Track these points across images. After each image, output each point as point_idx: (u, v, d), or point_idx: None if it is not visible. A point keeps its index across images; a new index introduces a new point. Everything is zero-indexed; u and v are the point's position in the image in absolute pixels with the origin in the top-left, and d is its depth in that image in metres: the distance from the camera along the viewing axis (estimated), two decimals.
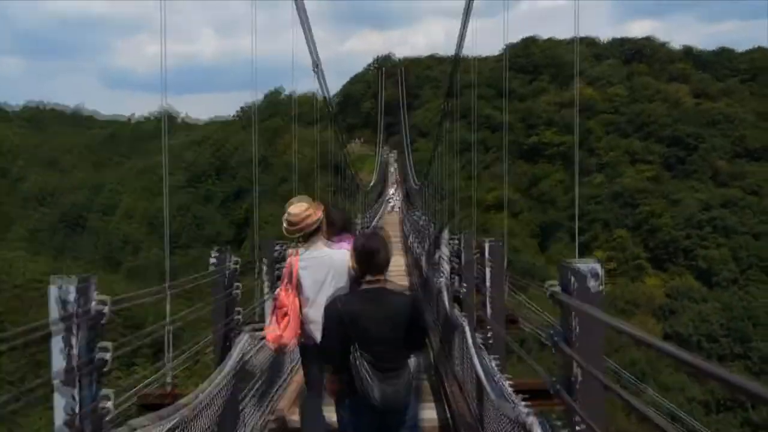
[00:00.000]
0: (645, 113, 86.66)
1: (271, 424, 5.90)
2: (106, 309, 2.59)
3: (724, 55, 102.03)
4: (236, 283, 5.32)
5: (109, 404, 2.57)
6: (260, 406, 5.79)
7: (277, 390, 6.61)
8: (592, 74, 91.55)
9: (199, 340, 5.50)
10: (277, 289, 7.84)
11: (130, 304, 3.37)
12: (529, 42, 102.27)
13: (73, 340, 2.46)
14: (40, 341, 2.34)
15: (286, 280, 4.43)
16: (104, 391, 2.59)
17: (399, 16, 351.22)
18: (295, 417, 6.09)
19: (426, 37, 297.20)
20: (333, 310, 3.39)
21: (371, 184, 63.26)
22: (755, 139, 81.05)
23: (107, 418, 2.59)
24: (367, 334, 3.29)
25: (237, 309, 5.37)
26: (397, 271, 19.70)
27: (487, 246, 6.03)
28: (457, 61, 14.77)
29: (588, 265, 2.58)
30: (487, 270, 5.98)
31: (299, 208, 4.46)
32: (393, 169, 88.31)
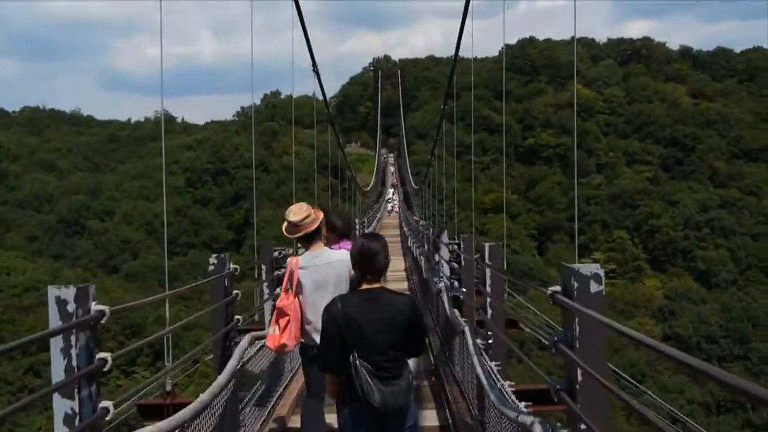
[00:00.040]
0: (643, 114, 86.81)
1: (272, 427, 5.89)
2: (104, 319, 2.58)
3: (721, 55, 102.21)
4: (235, 291, 5.30)
5: (109, 417, 2.55)
6: (261, 410, 5.77)
7: (277, 394, 6.60)
8: (589, 75, 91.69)
9: (198, 346, 5.49)
10: (277, 290, 7.90)
11: (129, 311, 3.36)
12: (526, 43, 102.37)
13: (72, 351, 2.45)
14: (39, 350, 2.33)
15: (286, 284, 4.43)
16: (104, 402, 2.57)
17: (397, 17, 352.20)
18: (296, 421, 6.09)
19: (424, 38, 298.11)
20: (332, 313, 3.37)
21: (370, 186, 63.25)
22: (753, 139, 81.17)
23: (105, 430, 2.58)
24: (366, 336, 3.28)
25: (237, 318, 5.35)
26: (397, 274, 19.68)
27: (487, 249, 6.02)
28: (455, 63, 14.77)
29: (589, 267, 2.57)
30: (488, 273, 5.96)
31: (300, 211, 4.48)
32: (391, 170, 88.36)
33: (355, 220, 27.72)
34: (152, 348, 34.10)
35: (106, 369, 2.59)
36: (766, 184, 75.57)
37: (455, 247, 8.64)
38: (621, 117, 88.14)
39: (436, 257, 10.15)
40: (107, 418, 2.55)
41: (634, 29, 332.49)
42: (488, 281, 5.94)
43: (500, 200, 65.19)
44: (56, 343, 2.44)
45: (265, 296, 7.92)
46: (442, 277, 9.18)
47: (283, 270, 8.24)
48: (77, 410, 2.46)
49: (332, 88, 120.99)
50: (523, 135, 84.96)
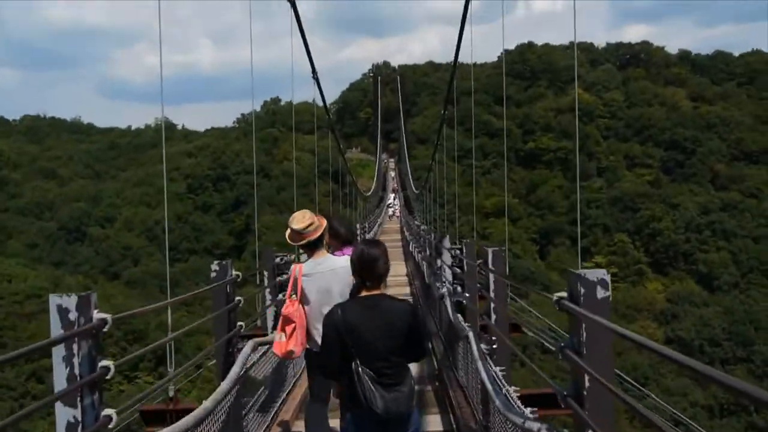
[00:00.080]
0: (644, 117, 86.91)
1: (278, 427, 5.87)
2: (106, 327, 2.56)
3: (720, 58, 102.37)
4: (237, 298, 5.29)
5: (112, 425, 2.53)
6: (264, 416, 5.75)
7: (281, 399, 6.58)
8: (588, 80, 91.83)
9: (200, 352, 5.47)
10: (280, 296, 7.89)
11: (131, 319, 3.34)
12: (525, 48, 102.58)
13: (74, 359, 2.43)
14: (42, 357, 2.31)
15: (291, 291, 4.43)
16: (107, 410, 2.55)
17: (396, 23, 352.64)
18: (299, 426, 6.07)
19: (423, 44, 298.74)
20: (332, 320, 3.38)
21: (371, 191, 63.30)
22: (753, 142, 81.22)
23: None
24: (367, 343, 3.28)
25: (239, 324, 5.34)
26: (398, 279, 19.65)
27: (490, 254, 6.00)
28: (455, 67, 14.78)
29: (595, 273, 2.55)
30: (491, 278, 5.94)
31: (303, 219, 4.51)
32: (392, 175, 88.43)
33: (357, 226, 27.71)
34: (155, 353, 34.11)
35: (108, 377, 2.57)
36: (766, 187, 75.59)
37: (457, 252, 8.62)
38: (621, 121, 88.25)
39: (439, 262, 10.14)
40: (110, 426, 2.53)
41: (633, 33, 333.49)
42: (492, 286, 5.92)
43: (501, 204, 65.18)
44: (58, 352, 2.43)
45: (268, 302, 7.91)
46: (444, 282, 9.16)
47: (285, 276, 8.25)
48: (80, 419, 2.44)
49: (332, 95, 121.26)
50: (523, 139, 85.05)
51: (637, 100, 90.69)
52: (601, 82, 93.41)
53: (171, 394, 5.47)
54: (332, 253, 4.72)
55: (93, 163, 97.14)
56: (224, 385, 4.11)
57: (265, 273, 8.02)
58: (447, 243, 9.67)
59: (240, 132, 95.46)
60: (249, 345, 5.09)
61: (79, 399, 2.46)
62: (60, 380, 2.44)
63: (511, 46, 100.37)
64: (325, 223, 4.60)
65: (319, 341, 4.24)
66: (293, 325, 4.33)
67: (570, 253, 69.23)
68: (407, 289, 17.53)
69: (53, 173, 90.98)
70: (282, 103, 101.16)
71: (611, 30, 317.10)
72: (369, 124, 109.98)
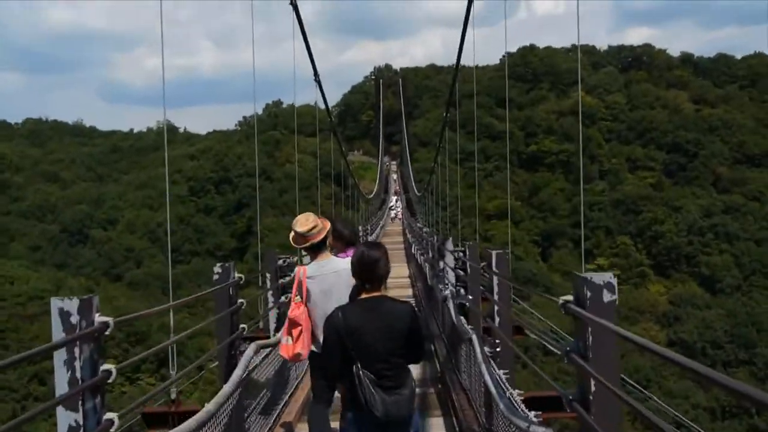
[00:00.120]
0: (646, 120, 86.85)
1: (281, 430, 5.85)
2: (108, 331, 2.54)
3: (722, 61, 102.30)
4: (240, 300, 5.28)
5: (114, 429, 2.51)
6: (266, 418, 5.73)
7: (283, 402, 6.56)
8: (591, 82, 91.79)
9: (202, 353, 5.46)
10: (282, 298, 7.87)
11: (133, 321, 3.33)
12: (527, 51, 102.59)
13: (76, 363, 2.41)
14: (44, 359, 2.30)
15: (295, 293, 4.45)
16: (109, 414, 2.53)
17: (398, 26, 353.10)
18: (301, 428, 6.05)
19: (424, 47, 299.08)
20: (332, 323, 3.38)
21: (373, 193, 63.33)
22: (755, 145, 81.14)
23: None
24: (368, 345, 3.28)
25: (242, 326, 5.33)
26: (401, 281, 19.64)
27: (494, 256, 5.98)
28: (457, 70, 14.77)
29: (602, 276, 2.52)
30: (495, 280, 5.92)
31: (307, 222, 4.54)
32: (394, 178, 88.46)
33: (359, 228, 27.71)
34: (157, 355, 34.11)
35: (110, 381, 2.55)
36: None
37: (460, 254, 8.60)
38: (623, 123, 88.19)
39: (441, 264, 10.11)
40: (112, 430, 2.51)
41: (635, 36, 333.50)
42: (495, 289, 5.89)
43: (503, 207, 65.12)
44: (59, 356, 2.41)
45: (270, 304, 7.90)
46: (447, 285, 9.14)
47: (287, 278, 8.24)
48: (81, 423, 2.42)
49: (334, 98, 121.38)
50: (525, 142, 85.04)
51: (640, 103, 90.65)
52: (603, 84, 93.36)
53: (173, 396, 5.46)
54: (335, 255, 4.72)
55: (95, 167, 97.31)
56: (227, 387, 4.10)
57: (268, 275, 8.01)
58: (450, 245, 9.65)
59: (242, 135, 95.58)
60: (251, 347, 5.08)
61: (80, 403, 2.45)
62: (62, 384, 2.42)
63: (513, 49, 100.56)
64: (328, 225, 4.63)
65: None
66: (300, 328, 4.35)
67: (572, 256, 69.16)
68: (409, 291, 17.52)
69: (55, 176, 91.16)
70: (284, 105, 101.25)
71: (613, 33, 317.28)
72: (371, 127, 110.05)
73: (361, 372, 3.23)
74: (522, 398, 4.54)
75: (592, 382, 2.40)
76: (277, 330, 7.31)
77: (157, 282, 58.90)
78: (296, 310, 4.38)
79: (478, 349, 5.06)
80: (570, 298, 2.61)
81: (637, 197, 75.88)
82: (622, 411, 2.51)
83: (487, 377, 4.35)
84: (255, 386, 5.35)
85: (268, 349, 5.96)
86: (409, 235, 28.67)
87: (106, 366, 2.58)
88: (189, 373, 4.97)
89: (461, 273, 8.37)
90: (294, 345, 4.36)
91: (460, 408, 6.18)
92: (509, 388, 4.49)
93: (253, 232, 68.17)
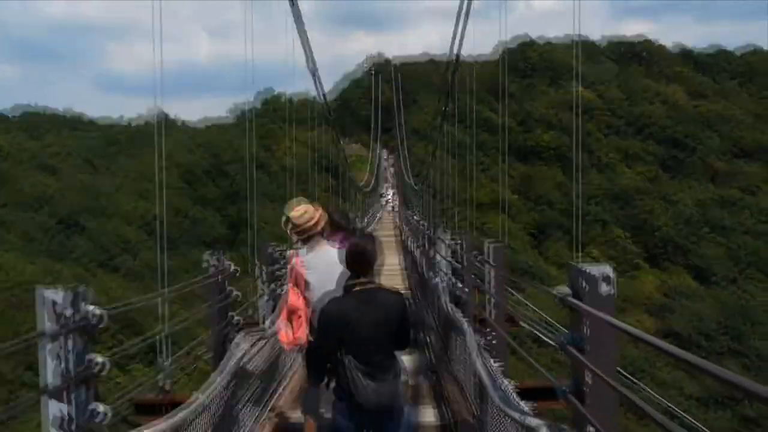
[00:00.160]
0: (643, 114, 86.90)
1: (269, 425, 5.83)
2: (101, 322, 2.50)
3: (720, 56, 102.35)
4: (233, 291, 5.25)
5: (105, 421, 2.48)
6: (257, 408, 5.72)
7: (275, 391, 6.54)
8: (588, 77, 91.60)
9: (194, 344, 5.43)
10: (285, 291, 7.84)
11: (125, 311, 3.29)
12: (525, 44, 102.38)
13: (67, 354, 2.37)
14: (30, 351, 2.25)
15: (292, 282, 4.46)
16: (99, 406, 2.50)
17: (394, 18, 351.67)
18: (293, 418, 6.05)
19: (421, 39, 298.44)
20: (325, 312, 3.41)
21: (368, 185, 63.32)
22: (752, 139, 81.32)
23: None
24: (361, 336, 3.30)
25: (234, 316, 5.30)
26: (394, 271, 19.68)
27: (490, 248, 5.95)
28: (454, 62, 14.72)
29: (599, 269, 2.49)
30: (490, 272, 5.90)
31: (301, 209, 4.55)
32: (389, 169, 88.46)
33: (351, 218, 27.69)
34: (150, 345, 34.03)
35: (99, 372, 2.51)
36: (764, 184, 75.73)
37: (455, 245, 8.58)
38: (620, 118, 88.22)
39: (436, 255, 10.10)
40: (102, 421, 2.48)
41: (632, 30, 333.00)
42: (492, 281, 5.88)
43: (497, 196, 65.16)
44: (47, 346, 2.36)
45: (263, 293, 7.88)
46: (441, 275, 9.12)
47: (281, 268, 8.22)
48: (73, 414, 2.38)
49: (329, 89, 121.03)
50: (522, 135, 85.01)
51: (637, 98, 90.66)
52: (601, 79, 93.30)
53: (167, 387, 5.44)
54: (329, 242, 4.71)
55: (91, 158, 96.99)
56: (218, 378, 4.09)
57: (261, 266, 7.99)
58: (444, 236, 9.63)
59: (238, 129, 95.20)
60: (243, 337, 5.05)
61: (70, 395, 2.41)
62: (50, 376, 2.38)
63: (511, 43, 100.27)
64: (321, 212, 4.64)
65: None
66: (299, 314, 4.38)
67: (567, 248, 69.32)
68: (403, 282, 17.55)
69: (52, 168, 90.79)
70: (280, 97, 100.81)
71: (611, 27, 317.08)
72: (366, 119, 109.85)
73: (346, 359, 3.27)
74: (516, 389, 4.53)
75: (588, 374, 2.37)
76: (269, 320, 7.28)
77: (154, 273, 58.81)
78: (295, 298, 4.40)
79: (471, 340, 5.04)
80: (567, 289, 2.58)
81: (633, 190, 76.03)
82: (617, 403, 2.49)
83: (481, 368, 4.33)
84: (246, 376, 5.34)
85: (260, 339, 5.94)
86: (403, 226, 28.70)
87: (97, 357, 2.55)
88: (181, 363, 4.95)
89: (456, 264, 8.36)
90: (294, 332, 4.39)
91: (453, 399, 6.18)
92: (503, 379, 4.47)
93: (245, 221, 68.10)
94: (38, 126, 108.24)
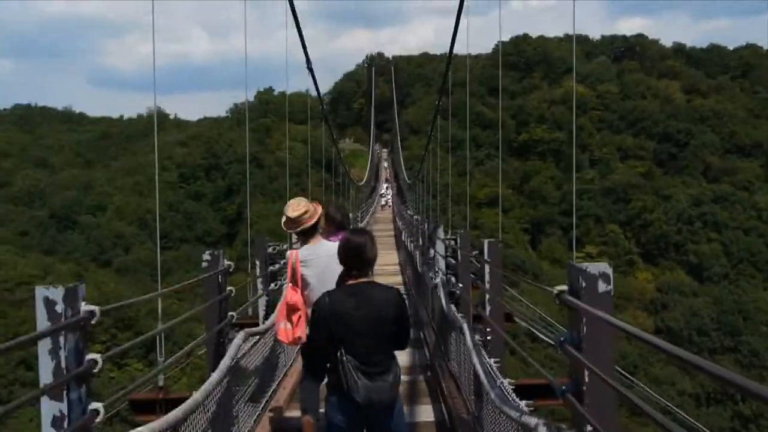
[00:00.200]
0: (638, 109, 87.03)
1: (266, 423, 5.83)
2: (94, 320, 2.49)
3: (715, 52, 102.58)
4: (229, 288, 5.24)
5: (99, 419, 2.47)
6: (255, 406, 5.71)
7: (271, 389, 6.53)
8: (583, 72, 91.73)
9: (191, 340, 5.42)
10: (273, 285, 7.84)
11: (122, 306, 3.28)
12: (520, 40, 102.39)
13: (60, 353, 2.36)
14: (32, 345, 2.24)
15: (291, 278, 4.47)
16: (94, 404, 2.49)
17: (390, 15, 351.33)
18: (291, 414, 6.04)
19: (417, 35, 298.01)
20: (320, 308, 3.39)
21: (363, 181, 63.24)
22: (746, 135, 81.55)
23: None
24: (354, 330, 3.29)
25: (231, 314, 5.28)
26: (390, 268, 19.68)
27: (486, 245, 5.96)
28: (450, 58, 14.67)
29: (597, 266, 2.50)
30: (486, 269, 5.90)
31: (299, 207, 4.57)
32: (385, 165, 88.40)
33: (349, 215, 27.65)
34: (145, 341, 33.98)
35: (96, 371, 2.51)
36: (758, 180, 75.99)
37: (452, 242, 8.58)
38: (615, 113, 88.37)
39: (432, 252, 10.09)
40: (98, 420, 2.47)
41: (628, 26, 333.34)
42: (487, 277, 5.88)
43: (493, 195, 65.24)
44: (44, 345, 2.36)
45: (259, 291, 7.86)
46: (437, 272, 9.12)
47: (277, 265, 8.21)
48: (66, 413, 2.37)
49: (325, 85, 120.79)
50: (517, 130, 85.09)
51: (631, 93, 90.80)
52: (596, 74, 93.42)
53: (161, 383, 5.43)
54: (326, 238, 4.71)
55: (84, 153, 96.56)
56: (215, 376, 4.07)
57: (257, 262, 7.97)
58: (441, 233, 9.63)
59: (233, 122, 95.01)
60: (240, 335, 5.04)
61: (65, 393, 2.40)
62: (46, 374, 2.37)
63: (506, 38, 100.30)
64: (320, 209, 4.67)
65: None
66: (299, 312, 4.39)
67: (561, 243, 69.52)
68: (399, 278, 17.57)
69: (45, 162, 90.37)
70: (275, 93, 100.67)
71: (606, 22, 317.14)
72: (362, 115, 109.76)
73: (344, 357, 3.26)
74: (513, 387, 4.54)
75: (587, 374, 2.38)
76: (266, 317, 7.27)
77: (146, 268, 58.62)
78: (294, 295, 4.41)
79: (468, 338, 5.05)
80: (565, 288, 2.58)
81: (627, 186, 76.21)
82: (616, 403, 2.50)
83: (478, 366, 4.33)
84: (243, 374, 5.33)
85: (257, 337, 5.93)
86: (399, 223, 28.68)
87: (91, 355, 2.53)
88: (177, 360, 4.94)
89: (452, 261, 8.36)
90: (294, 329, 4.40)
91: (450, 396, 6.18)
92: (500, 377, 4.48)
93: (242, 218, 68.00)
94: (30, 120, 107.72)
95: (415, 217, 20.57)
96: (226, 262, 5.31)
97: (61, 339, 2.38)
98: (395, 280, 16.74)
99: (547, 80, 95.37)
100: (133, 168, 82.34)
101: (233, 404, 4.83)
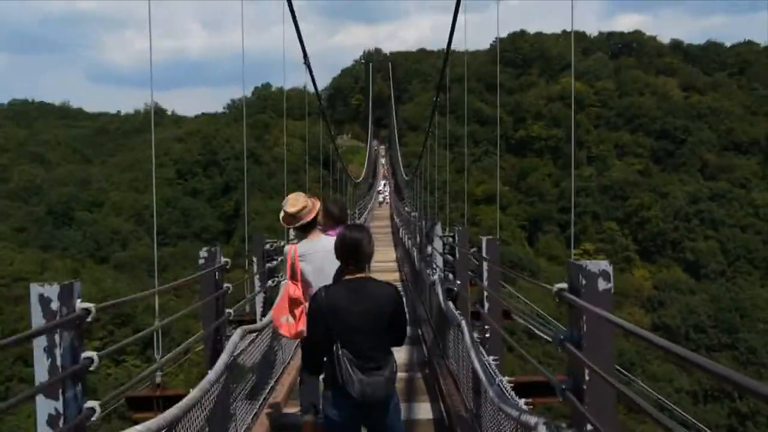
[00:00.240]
0: (635, 106, 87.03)
1: (264, 420, 5.82)
2: (90, 317, 2.47)
3: (712, 49, 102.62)
4: (226, 285, 5.22)
5: (95, 417, 2.45)
6: (252, 404, 5.69)
7: (269, 386, 6.52)
8: (580, 68, 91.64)
9: (188, 336, 5.40)
10: (274, 282, 7.82)
11: (119, 302, 3.26)
12: (518, 36, 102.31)
13: (56, 350, 2.34)
14: (23, 345, 2.22)
15: (289, 273, 4.49)
16: (90, 402, 2.47)
17: (387, 10, 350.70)
18: (289, 411, 6.03)
19: (414, 31, 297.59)
20: (316, 303, 3.39)
21: (361, 177, 63.18)
22: (743, 132, 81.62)
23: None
24: (350, 325, 3.29)
25: (228, 311, 5.26)
26: (388, 264, 19.67)
27: (484, 242, 5.95)
28: (447, 55, 14.65)
29: (597, 264, 2.48)
30: (484, 266, 5.89)
31: (297, 202, 4.56)
32: (383, 162, 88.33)
33: (347, 210, 27.61)
34: (142, 338, 33.94)
35: (92, 368, 2.49)
36: (755, 177, 76.08)
37: (449, 239, 8.56)
38: (612, 110, 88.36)
39: (429, 249, 10.08)
40: (93, 419, 2.45)
41: (625, 23, 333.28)
42: (485, 275, 5.86)
43: (491, 191, 65.26)
44: (39, 343, 2.34)
45: (257, 288, 7.84)
46: (435, 269, 9.11)
47: (275, 262, 8.19)
48: (62, 411, 2.36)
49: (323, 81, 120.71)
50: (514, 127, 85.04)
51: (629, 89, 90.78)
52: (593, 70, 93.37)
53: (158, 380, 5.41)
54: (325, 233, 4.70)
55: (81, 148, 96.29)
56: (212, 373, 4.05)
57: (255, 259, 7.95)
58: (438, 230, 9.61)
59: (230, 117, 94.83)
60: (237, 332, 5.02)
61: (61, 391, 2.38)
62: (42, 372, 2.36)
63: (504, 34, 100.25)
64: (318, 204, 4.67)
65: None
66: (301, 307, 4.40)
67: (558, 240, 69.56)
68: (397, 275, 17.56)
69: (41, 157, 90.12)
70: (272, 88, 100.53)
71: (603, 19, 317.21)
72: (360, 111, 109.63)
73: (340, 351, 3.25)
74: (512, 384, 4.53)
75: (586, 372, 2.36)
76: (264, 314, 7.25)
77: (143, 264, 58.54)
78: (296, 290, 4.43)
79: (466, 335, 5.03)
80: (564, 285, 2.57)
81: (624, 183, 76.26)
82: (616, 401, 2.49)
83: (477, 363, 4.32)
84: (241, 371, 5.31)
85: (255, 334, 5.91)
86: (396, 219, 28.68)
87: (87, 353, 2.52)
88: (174, 357, 4.92)
89: (450, 258, 8.34)
90: (296, 323, 4.42)
91: (448, 393, 6.17)
92: (499, 374, 4.46)
93: (240, 215, 67.91)
94: (27, 115, 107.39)
95: (413, 213, 20.55)
96: (223, 259, 5.29)
97: (57, 337, 2.36)
98: (393, 276, 16.73)
99: (544, 77, 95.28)
100: (130, 164, 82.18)
101: (231, 401, 4.82)
